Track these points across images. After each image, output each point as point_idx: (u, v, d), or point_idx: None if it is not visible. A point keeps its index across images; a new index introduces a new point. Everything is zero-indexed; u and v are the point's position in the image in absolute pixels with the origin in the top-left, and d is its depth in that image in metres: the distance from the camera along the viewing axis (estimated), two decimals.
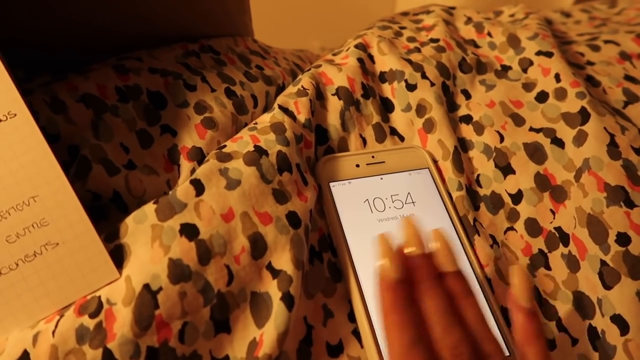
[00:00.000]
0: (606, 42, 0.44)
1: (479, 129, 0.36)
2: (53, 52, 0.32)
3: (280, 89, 0.39)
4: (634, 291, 0.29)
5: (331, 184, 0.32)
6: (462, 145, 0.36)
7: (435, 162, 0.35)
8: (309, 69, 0.38)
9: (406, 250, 0.24)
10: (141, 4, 0.34)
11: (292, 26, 1.25)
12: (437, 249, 0.24)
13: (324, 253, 0.30)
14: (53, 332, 0.21)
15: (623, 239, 0.30)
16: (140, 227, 0.24)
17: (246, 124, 0.34)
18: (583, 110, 0.35)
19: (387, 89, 0.38)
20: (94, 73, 0.30)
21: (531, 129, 0.36)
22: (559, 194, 0.33)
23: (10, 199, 0.23)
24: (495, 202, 0.34)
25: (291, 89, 0.35)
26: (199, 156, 0.30)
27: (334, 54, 0.41)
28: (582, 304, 0.30)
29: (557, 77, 0.38)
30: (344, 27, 1.30)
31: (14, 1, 0.28)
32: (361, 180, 0.33)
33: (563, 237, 0.32)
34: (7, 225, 0.22)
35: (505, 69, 0.41)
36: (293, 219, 0.27)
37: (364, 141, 0.35)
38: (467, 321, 0.23)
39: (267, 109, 0.37)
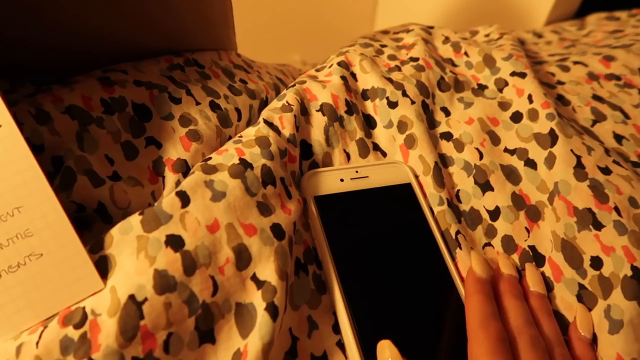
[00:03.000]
0: (575, 62, 0.47)
1: (459, 146, 0.37)
2: (36, 60, 0.32)
3: (264, 102, 0.40)
4: (602, 309, 0.30)
5: (316, 198, 0.33)
6: (443, 161, 0.37)
7: (416, 177, 0.36)
8: (294, 85, 0.39)
9: (501, 271, 0.32)
10: (126, 16, 0.34)
11: (274, 40, 1.27)
12: (527, 272, 0.32)
13: (309, 265, 0.30)
14: (37, 343, 0.21)
15: (597, 263, 0.31)
16: (125, 238, 0.24)
17: (230, 137, 0.35)
18: (552, 132, 0.37)
19: (369, 106, 0.39)
20: (79, 85, 0.30)
21: (506, 150, 0.38)
22: (533, 214, 0.35)
23: None
24: (474, 218, 0.35)
25: (276, 104, 0.36)
26: (183, 168, 0.30)
27: (317, 70, 0.42)
28: (557, 321, 0.31)
29: (530, 98, 0.39)
30: (324, 41, 1.32)
31: (5, 8, 0.28)
32: (345, 194, 0.33)
33: (537, 257, 0.33)
34: None
35: (482, 87, 0.43)
36: (277, 230, 0.27)
37: (348, 156, 0.36)
38: (545, 336, 0.28)
39: (250, 122, 0.38)
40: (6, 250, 0.23)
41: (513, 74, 0.42)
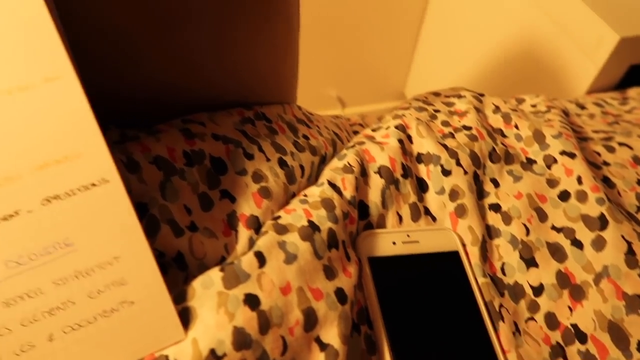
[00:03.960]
0: (620, 144, 0.48)
1: (507, 219, 0.39)
2: (121, 108, 0.35)
3: (323, 158, 0.42)
4: None
5: (370, 259, 0.34)
6: (489, 232, 0.39)
7: (464, 245, 0.37)
8: (353, 146, 0.41)
9: None
10: (205, 69, 0.37)
11: (310, 75, 1.30)
12: None
13: (361, 326, 0.32)
14: None
15: None
16: (207, 292, 0.26)
17: (294, 194, 0.37)
18: (602, 217, 0.38)
19: (422, 170, 0.41)
20: (164, 135, 0.33)
21: (553, 227, 0.39)
22: (577, 293, 0.36)
23: (97, 258, 0.25)
24: (517, 292, 0.36)
25: (337, 164, 0.38)
26: (255, 224, 0.32)
27: (374, 130, 0.44)
28: None
29: (579, 180, 0.41)
30: (360, 79, 1.36)
31: (100, 65, 0.31)
32: (397, 257, 0.35)
33: (579, 335, 0.34)
34: (90, 282, 0.25)
35: (531, 162, 0.44)
36: (341, 295, 0.29)
37: (400, 218, 0.38)
38: None
39: (311, 177, 0.40)
40: (103, 296, 0.25)
41: (562, 153, 0.43)
